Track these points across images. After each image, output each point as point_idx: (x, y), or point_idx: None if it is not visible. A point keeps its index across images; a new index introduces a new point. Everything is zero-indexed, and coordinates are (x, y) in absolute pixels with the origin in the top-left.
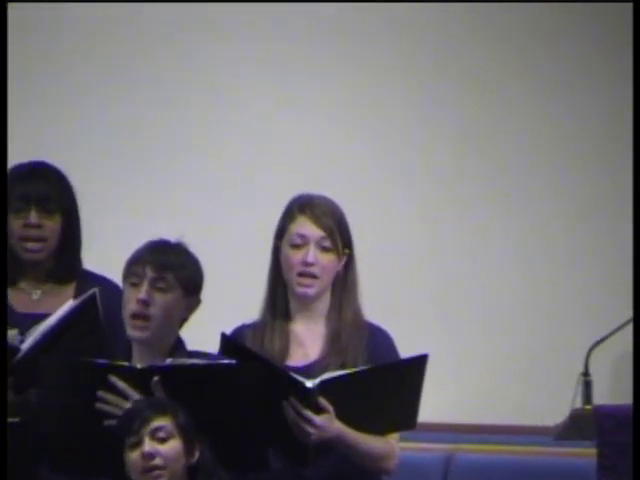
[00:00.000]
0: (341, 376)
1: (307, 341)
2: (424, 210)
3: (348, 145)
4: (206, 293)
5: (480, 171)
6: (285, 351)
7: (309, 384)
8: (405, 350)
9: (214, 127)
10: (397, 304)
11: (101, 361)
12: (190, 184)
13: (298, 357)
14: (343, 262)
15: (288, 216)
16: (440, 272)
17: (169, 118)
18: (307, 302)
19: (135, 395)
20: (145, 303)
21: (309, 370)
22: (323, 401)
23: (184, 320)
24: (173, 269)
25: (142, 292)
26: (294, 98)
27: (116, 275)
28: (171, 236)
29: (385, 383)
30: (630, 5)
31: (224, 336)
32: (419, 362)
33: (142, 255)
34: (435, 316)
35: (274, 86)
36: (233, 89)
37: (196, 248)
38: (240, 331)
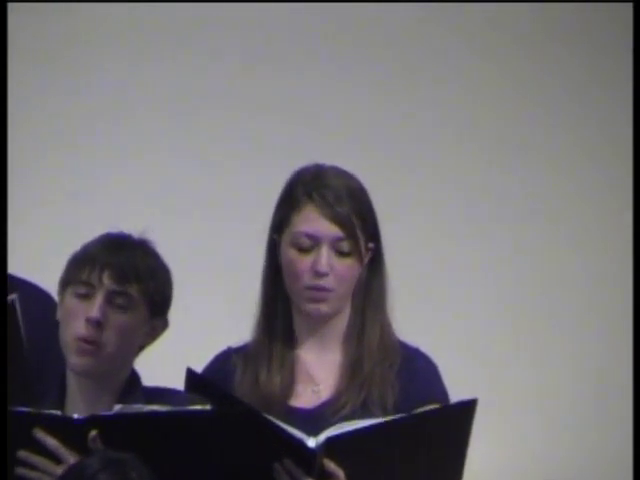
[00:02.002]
0: (354, 431)
1: (318, 373)
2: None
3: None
4: (173, 308)
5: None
6: (289, 387)
7: (311, 443)
8: (462, 391)
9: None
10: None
11: (22, 409)
12: (148, 164)
13: (306, 396)
14: (367, 260)
15: (290, 202)
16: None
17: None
18: (319, 321)
19: (70, 457)
20: (97, 324)
21: (320, 412)
22: (330, 465)
23: (141, 348)
24: (139, 279)
25: (94, 309)
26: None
27: (46, 280)
28: (125, 230)
29: (416, 437)
30: (630, 5)
31: (191, 373)
32: (464, 409)
33: (96, 255)
34: (515, 347)
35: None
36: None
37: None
38: (225, 358)
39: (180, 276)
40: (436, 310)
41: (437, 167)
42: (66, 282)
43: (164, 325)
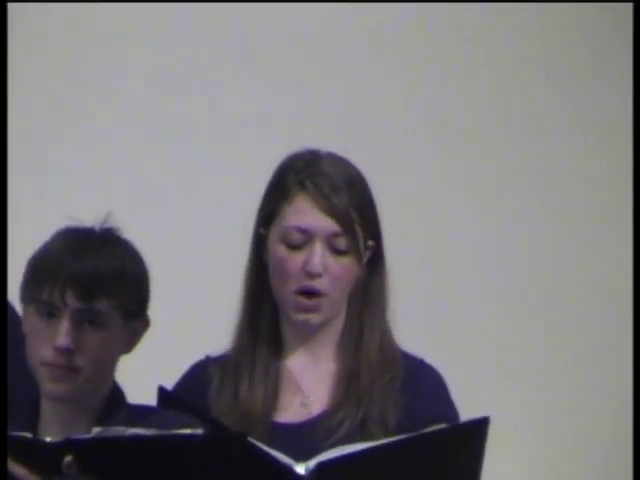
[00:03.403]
0: (349, 455)
1: (307, 383)
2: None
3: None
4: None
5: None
6: (273, 399)
7: (299, 469)
8: (470, 408)
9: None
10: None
11: None
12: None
13: (294, 409)
14: (365, 259)
15: (280, 192)
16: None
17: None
18: (309, 331)
19: None
20: (68, 351)
21: (311, 429)
22: None
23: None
24: (108, 292)
25: (61, 334)
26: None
27: None
28: (86, 220)
29: (421, 462)
30: (630, 5)
31: (163, 392)
32: (475, 429)
33: (56, 266)
34: (529, 359)
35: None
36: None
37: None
38: (202, 369)
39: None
40: (442, 318)
41: (443, 166)
42: (25, 298)
43: (145, 325)
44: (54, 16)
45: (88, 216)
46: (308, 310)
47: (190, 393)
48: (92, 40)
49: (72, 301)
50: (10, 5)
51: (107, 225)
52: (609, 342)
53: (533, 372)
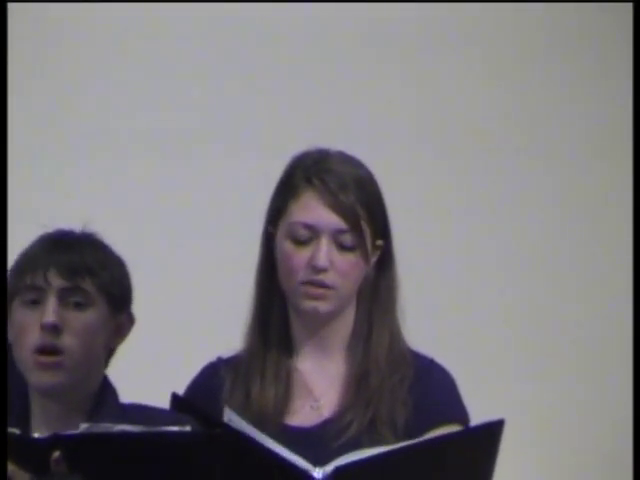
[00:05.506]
0: (366, 460)
1: (318, 386)
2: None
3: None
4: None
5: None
6: (284, 402)
7: (317, 474)
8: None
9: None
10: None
11: None
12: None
13: (305, 413)
14: (374, 259)
15: (287, 189)
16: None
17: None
18: (318, 323)
19: None
20: (55, 328)
21: (322, 433)
22: None
23: (111, 352)
24: (91, 272)
25: (48, 312)
26: None
27: None
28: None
29: (435, 465)
30: (630, 5)
31: (176, 398)
32: (490, 432)
33: (39, 256)
34: (541, 359)
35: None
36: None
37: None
38: (214, 370)
39: (167, 276)
40: (452, 318)
41: (451, 167)
42: (11, 294)
43: (130, 321)
44: (54, 16)
45: (92, 216)
46: (315, 298)
47: (202, 394)
48: (92, 40)
49: (56, 280)
50: (10, 5)
51: (87, 230)
52: (611, 343)
53: (540, 373)
